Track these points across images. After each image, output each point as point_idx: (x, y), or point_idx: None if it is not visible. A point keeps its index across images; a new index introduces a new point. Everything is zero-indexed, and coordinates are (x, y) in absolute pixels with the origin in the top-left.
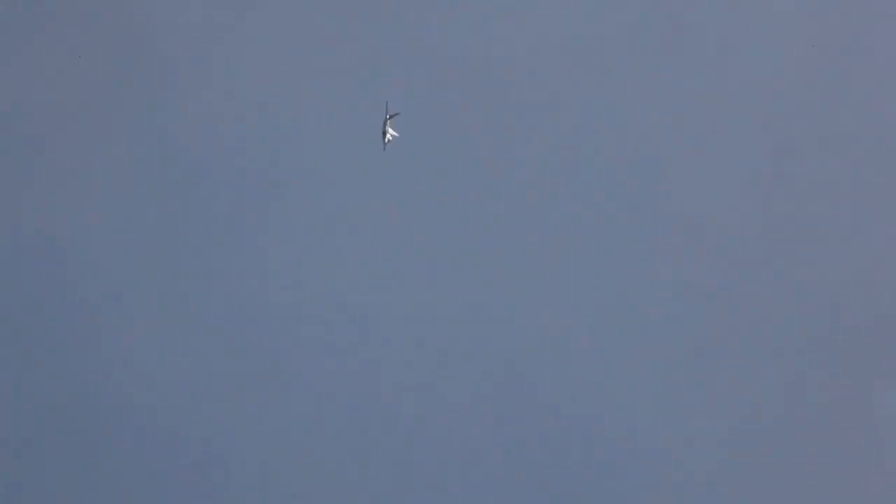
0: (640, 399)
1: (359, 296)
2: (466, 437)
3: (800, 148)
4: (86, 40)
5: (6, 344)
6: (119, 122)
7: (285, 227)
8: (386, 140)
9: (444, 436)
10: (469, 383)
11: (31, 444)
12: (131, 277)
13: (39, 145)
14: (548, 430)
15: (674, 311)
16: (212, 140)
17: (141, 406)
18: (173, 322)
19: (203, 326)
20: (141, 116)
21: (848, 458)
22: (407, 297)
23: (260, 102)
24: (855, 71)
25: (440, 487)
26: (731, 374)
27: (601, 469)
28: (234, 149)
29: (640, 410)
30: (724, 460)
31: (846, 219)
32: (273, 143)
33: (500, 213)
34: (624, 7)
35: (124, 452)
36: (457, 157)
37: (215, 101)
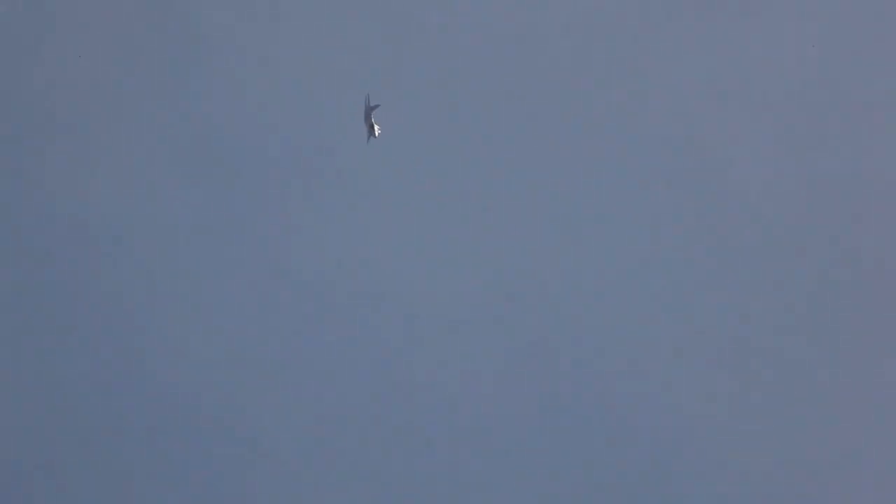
0: (680, 376)
1: (391, 275)
2: (503, 418)
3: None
4: (123, 23)
5: (42, 331)
6: (151, 104)
7: (314, 207)
8: (376, 133)
9: (477, 422)
10: (504, 363)
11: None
12: (164, 263)
13: (71, 124)
14: (590, 412)
15: (716, 283)
16: (247, 119)
17: (174, 392)
18: (202, 308)
19: (233, 308)
20: (173, 97)
21: None
22: (436, 273)
23: (295, 83)
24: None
25: (474, 473)
26: (769, 344)
27: (645, 449)
28: (268, 130)
29: (680, 387)
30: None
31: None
32: (303, 125)
33: (532, 185)
34: None
35: (158, 439)
36: (485, 130)
37: (249, 83)
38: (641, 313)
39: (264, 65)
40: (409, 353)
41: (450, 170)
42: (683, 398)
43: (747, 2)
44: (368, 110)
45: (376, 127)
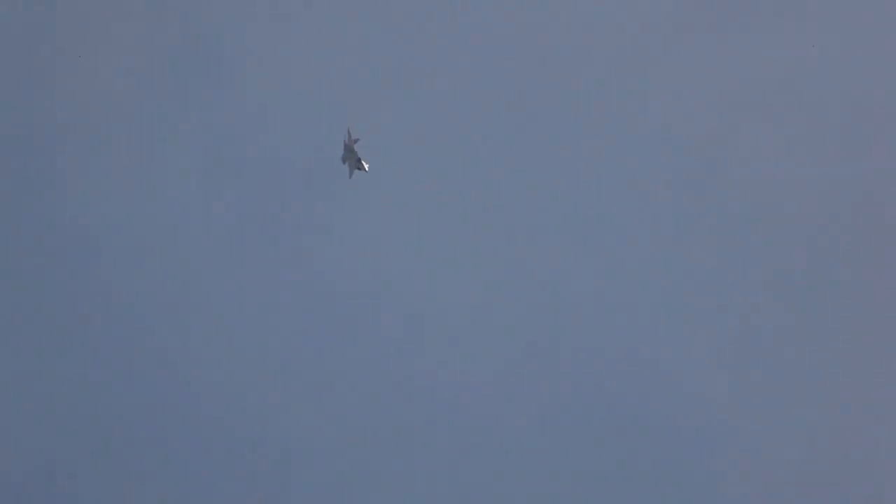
0: (687, 374)
1: (402, 275)
2: (514, 416)
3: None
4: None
5: (76, 331)
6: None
7: (343, 211)
8: (365, 167)
9: (503, 420)
10: (523, 364)
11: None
12: (184, 266)
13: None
14: (593, 412)
15: (719, 283)
16: (260, 125)
17: (204, 390)
18: (225, 309)
19: (266, 306)
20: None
21: None
22: (459, 276)
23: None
24: None
25: (498, 470)
26: (775, 344)
27: (666, 448)
28: (281, 136)
29: (709, 388)
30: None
31: None
32: (314, 130)
33: (535, 187)
34: None
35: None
36: (488, 131)
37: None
38: (645, 313)
39: (280, 71)
40: (422, 351)
41: (456, 171)
42: (690, 396)
43: (757, 2)
44: (350, 145)
45: (365, 163)
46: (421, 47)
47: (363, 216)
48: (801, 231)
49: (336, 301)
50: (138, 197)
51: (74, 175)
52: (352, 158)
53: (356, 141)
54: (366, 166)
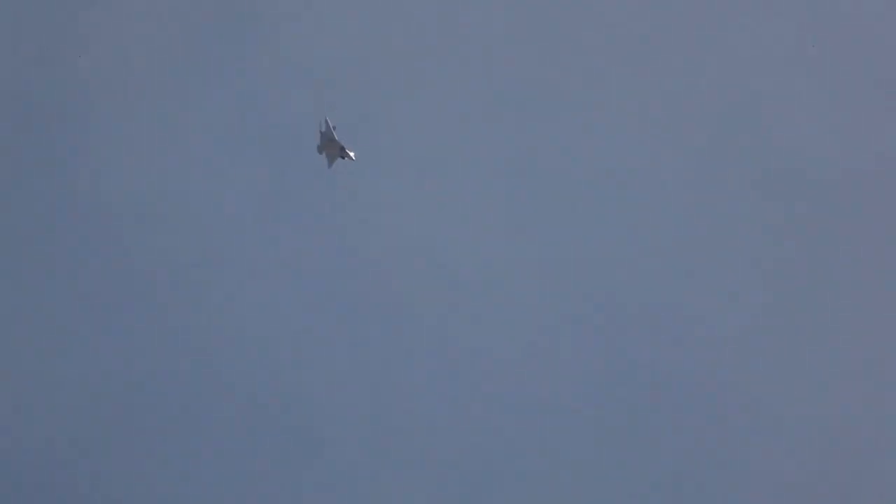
0: (750, 348)
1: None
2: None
3: None
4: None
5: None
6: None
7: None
8: (352, 156)
9: (553, 399)
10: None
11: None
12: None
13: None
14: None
15: (782, 255)
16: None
17: (249, 358)
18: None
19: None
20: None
21: None
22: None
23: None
24: None
25: (549, 449)
26: (837, 321)
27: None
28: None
29: (752, 358)
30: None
31: None
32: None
33: (599, 156)
34: None
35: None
36: (530, 102)
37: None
38: (686, 294)
39: (311, 39)
40: (457, 320)
41: (488, 137)
42: (733, 355)
43: None
44: (329, 134)
45: (350, 152)
46: (463, 7)
47: (396, 183)
48: (842, 192)
49: (370, 274)
50: (165, 166)
51: (99, 143)
52: (333, 148)
53: (334, 128)
54: (351, 154)
